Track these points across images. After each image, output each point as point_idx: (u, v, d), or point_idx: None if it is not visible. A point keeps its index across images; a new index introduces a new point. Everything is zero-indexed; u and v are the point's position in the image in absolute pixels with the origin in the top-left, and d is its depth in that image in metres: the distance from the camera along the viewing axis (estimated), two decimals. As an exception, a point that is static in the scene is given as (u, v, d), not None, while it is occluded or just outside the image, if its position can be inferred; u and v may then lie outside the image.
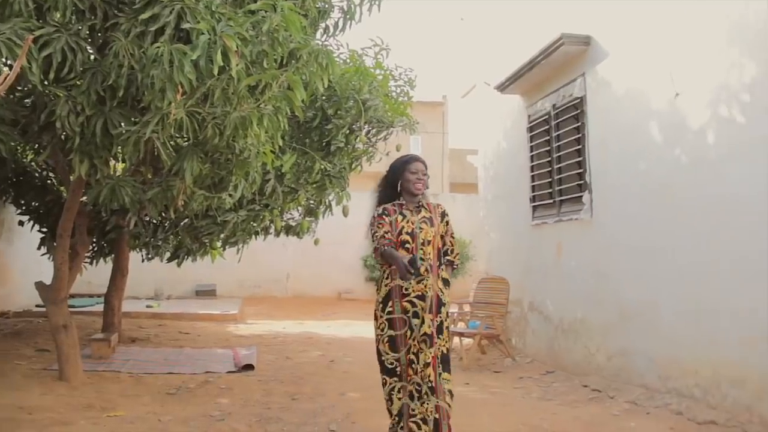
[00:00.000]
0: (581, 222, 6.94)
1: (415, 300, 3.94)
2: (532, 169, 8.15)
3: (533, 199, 8.13)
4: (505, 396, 6.07)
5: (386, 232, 3.97)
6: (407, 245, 3.97)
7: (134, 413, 4.89)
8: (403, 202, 4.12)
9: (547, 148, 7.77)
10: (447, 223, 4.20)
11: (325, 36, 5.95)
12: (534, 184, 8.12)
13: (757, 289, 4.57)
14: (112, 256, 8.18)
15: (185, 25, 3.82)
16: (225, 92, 4.02)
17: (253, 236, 7.55)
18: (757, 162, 4.61)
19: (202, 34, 3.72)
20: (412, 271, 3.68)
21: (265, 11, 3.96)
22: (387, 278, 4.00)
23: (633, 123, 6.04)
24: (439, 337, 3.93)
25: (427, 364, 3.89)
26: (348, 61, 6.73)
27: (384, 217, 4.05)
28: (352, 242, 15.60)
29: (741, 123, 4.78)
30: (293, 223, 7.81)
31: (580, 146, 7.03)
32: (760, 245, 4.54)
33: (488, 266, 9.79)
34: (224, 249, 7.62)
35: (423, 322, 3.92)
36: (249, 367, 6.96)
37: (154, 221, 7.00)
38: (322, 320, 12.71)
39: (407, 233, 3.99)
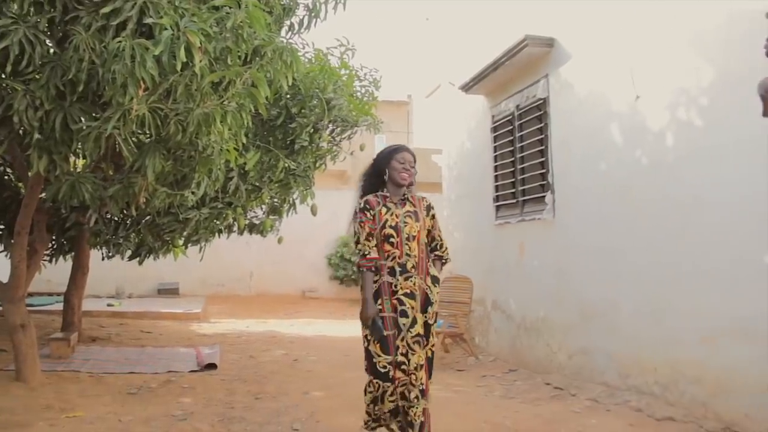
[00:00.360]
0: (543, 222, 7.02)
1: (403, 298, 3.82)
2: (496, 169, 8.22)
3: (496, 198, 8.20)
4: (468, 394, 6.11)
5: (369, 236, 3.87)
6: (392, 239, 3.85)
7: (94, 414, 4.82)
8: (387, 194, 3.98)
9: (511, 149, 7.84)
10: (433, 216, 4.08)
11: (290, 33, 5.92)
12: (497, 184, 8.19)
13: (714, 289, 4.67)
14: (72, 253, 8.05)
15: (148, 20, 3.76)
16: (188, 88, 3.98)
17: (216, 234, 7.49)
18: (714, 165, 4.71)
19: (165, 29, 3.67)
20: (369, 326, 3.76)
21: (230, 7, 3.93)
22: (375, 275, 3.88)
23: (595, 125, 6.13)
24: (426, 338, 3.85)
25: (419, 367, 3.79)
26: (313, 60, 6.72)
27: (366, 212, 3.92)
28: (316, 241, 15.60)
29: (699, 126, 4.88)
30: (257, 222, 7.77)
31: (542, 147, 7.11)
32: (718, 246, 4.64)
33: (452, 265, 9.84)
34: (187, 247, 7.54)
35: (414, 322, 3.81)
36: (212, 366, 6.91)
37: (116, 218, 6.91)
38: (286, 319, 12.66)
39: (391, 227, 3.87)
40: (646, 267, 5.42)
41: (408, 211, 3.94)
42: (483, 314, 8.53)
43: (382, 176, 4.01)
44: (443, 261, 4.15)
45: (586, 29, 6.33)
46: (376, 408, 3.89)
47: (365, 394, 3.92)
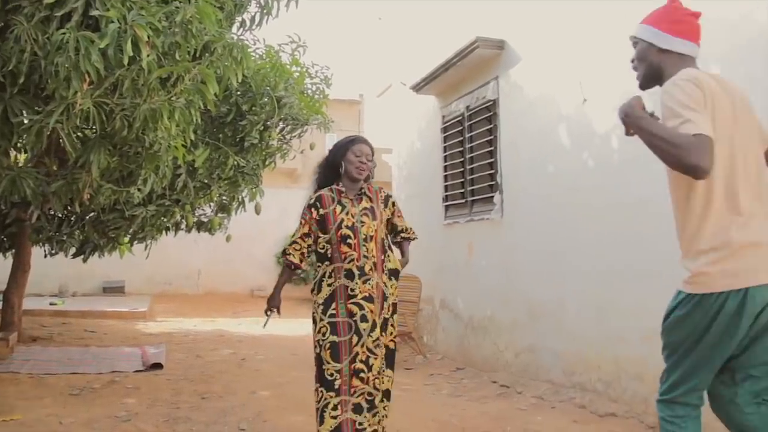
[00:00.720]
0: (492, 222, 7.10)
1: (362, 302, 3.60)
2: (445, 169, 8.28)
3: (446, 198, 8.26)
4: (416, 393, 6.14)
5: (303, 237, 3.73)
6: (349, 241, 3.63)
7: (34, 416, 4.69)
8: (343, 188, 3.76)
9: (460, 149, 7.91)
10: (393, 204, 3.91)
11: (241, 30, 5.86)
12: (447, 184, 8.25)
13: (656, 289, 4.78)
14: (13, 251, 7.82)
15: (94, 12, 3.67)
16: (135, 83, 3.90)
17: (164, 232, 7.38)
18: (657, 168, 4.81)
19: (112, 22, 3.59)
20: (269, 311, 3.88)
21: (179, 2, 3.87)
22: (330, 277, 3.65)
23: (543, 126, 6.22)
24: (383, 334, 3.67)
25: (381, 370, 3.64)
26: (264, 56, 6.66)
27: (313, 210, 3.71)
28: (265, 239, 15.48)
29: (643, 129, 4.99)
30: (205, 219, 7.67)
31: (492, 148, 7.19)
32: (659, 247, 4.76)
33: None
34: (133, 245, 7.40)
35: (374, 325, 3.61)
36: (157, 365, 6.80)
37: (59, 215, 6.74)
38: (234, 318, 12.53)
39: (347, 227, 3.64)
40: (592, 267, 5.52)
41: (364, 209, 3.73)
42: (431, 313, 8.59)
43: (337, 169, 3.78)
44: (411, 239, 4.03)
45: (536, 32, 6.42)
46: (322, 426, 3.54)
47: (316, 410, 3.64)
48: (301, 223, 3.76)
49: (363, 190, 3.79)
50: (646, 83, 2.79)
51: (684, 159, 2.25)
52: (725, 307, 2.32)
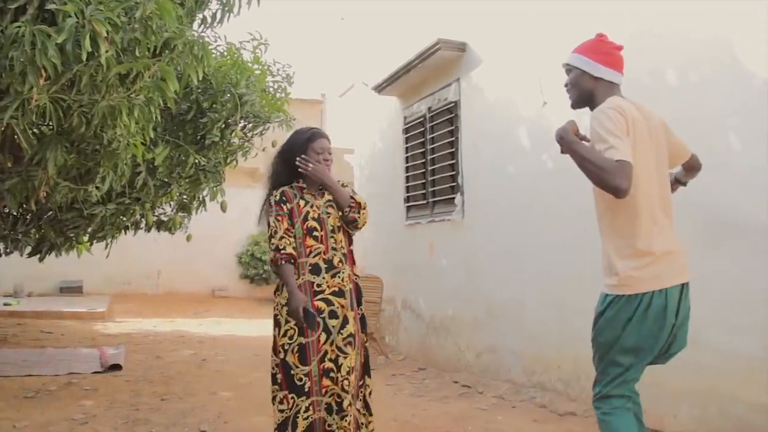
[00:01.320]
0: (453, 223, 7.15)
1: (330, 297, 3.46)
2: (407, 170, 8.31)
3: (407, 199, 8.29)
4: (378, 393, 6.11)
5: (287, 231, 3.48)
6: (315, 233, 3.50)
7: (-14, 419, 4.60)
8: (304, 185, 3.64)
9: (422, 150, 7.94)
10: (352, 191, 3.72)
11: (202, 27, 5.80)
12: (408, 185, 8.28)
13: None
14: (-35, 250, 7.63)
15: (50, 6, 3.60)
16: (93, 79, 3.84)
17: (123, 231, 7.26)
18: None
19: (69, 16, 3.53)
20: (300, 318, 3.33)
21: (139, -3, 3.83)
22: (294, 275, 3.46)
23: (504, 128, 6.29)
24: (363, 332, 3.56)
25: (351, 370, 3.44)
26: (225, 54, 6.60)
27: (282, 205, 3.54)
28: (226, 238, 15.37)
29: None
30: (165, 218, 7.58)
31: (453, 149, 7.24)
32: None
33: (363, 265, 9.88)
34: (91, 244, 7.28)
35: (345, 321, 3.47)
36: (116, 367, 6.71)
37: (14, 213, 6.59)
38: (195, 318, 12.43)
39: (314, 219, 3.52)
40: (551, 267, 5.59)
41: (328, 201, 3.62)
42: (393, 313, 8.62)
43: (296, 168, 3.63)
44: (362, 208, 3.69)
45: (498, 35, 6.48)
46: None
47: (275, 415, 3.45)
48: (278, 219, 3.51)
49: (323, 187, 3.68)
50: (577, 105, 3.15)
51: (608, 181, 2.61)
52: (652, 305, 2.71)
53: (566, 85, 3.16)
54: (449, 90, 7.30)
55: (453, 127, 7.26)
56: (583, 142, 2.90)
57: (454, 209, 7.13)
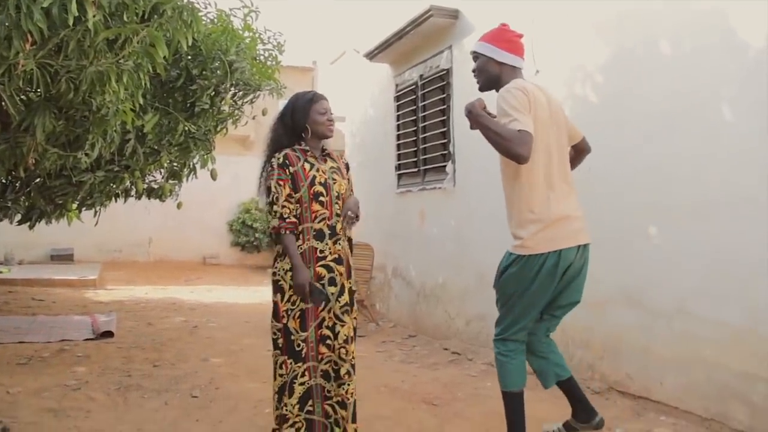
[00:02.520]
0: (444, 191, 7.15)
1: (331, 264, 3.45)
2: (398, 138, 8.29)
3: (398, 167, 8.28)
4: (368, 359, 6.21)
5: (288, 198, 3.40)
6: (321, 198, 3.45)
7: (-22, 385, 4.62)
8: (307, 148, 3.55)
9: (413, 118, 7.91)
10: (350, 175, 3.74)
11: (191, -8, 5.73)
12: (400, 152, 8.26)
13: (603, 258, 4.89)
14: (-46, 217, 7.59)
15: (36, -30, 3.55)
16: (80, 45, 3.78)
17: (113, 198, 7.23)
18: (607, 139, 4.90)
19: (55, -20, 3.48)
20: (311, 300, 3.32)
21: (127, -39, 3.77)
22: (297, 240, 3.42)
23: (495, 97, 6.24)
24: (352, 306, 3.55)
25: (349, 339, 3.47)
26: (215, 21, 6.53)
27: (285, 169, 3.45)
28: (217, 206, 15.34)
29: (594, 102, 5.07)
30: (155, 186, 7.55)
31: (445, 117, 7.21)
32: (608, 217, 4.87)
33: (354, 232, 9.88)
34: (81, 211, 7.24)
35: (343, 289, 3.48)
36: (108, 334, 6.74)
37: (3, 180, 6.55)
38: (186, 285, 12.47)
39: (320, 183, 3.46)
40: (541, 235, 5.60)
41: (333, 167, 3.58)
42: (384, 281, 8.66)
43: (300, 132, 3.57)
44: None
45: (490, 3, 6.42)
46: (281, 404, 3.41)
47: (275, 380, 3.47)
48: (279, 183, 3.42)
49: (326, 151, 3.66)
50: (485, 88, 3.57)
51: (511, 149, 3.03)
52: (546, 264, 3.19)
53: (474, 71, 3.57)
54: (441, 57, 7.24)
55: (445, 95, 7.22)
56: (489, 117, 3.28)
57: (445, 177, 7.13)
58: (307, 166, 3.49)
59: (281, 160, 3.47)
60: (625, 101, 4.75)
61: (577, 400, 3.61)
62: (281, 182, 3.43)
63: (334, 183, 3.53)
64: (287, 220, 3.39)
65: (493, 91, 3.48)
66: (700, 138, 4.14)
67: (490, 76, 3.48)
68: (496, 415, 4.24)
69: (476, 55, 3.54)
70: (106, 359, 5.67)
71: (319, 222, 3.46)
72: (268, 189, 3.48)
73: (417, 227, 7.77)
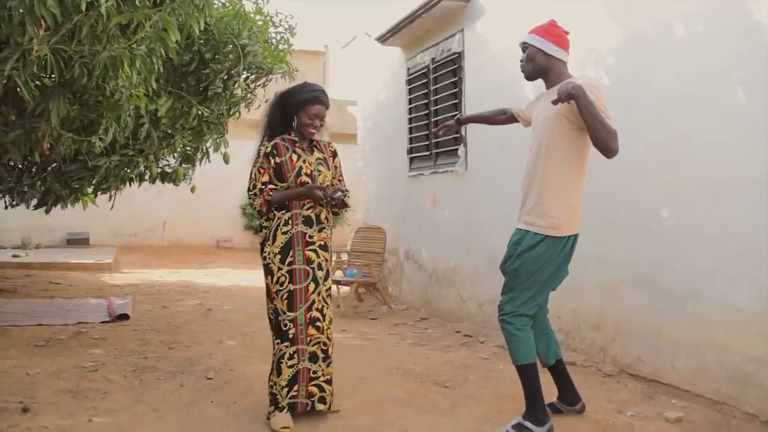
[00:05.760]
0: (456, 174, 7.15)
1: (318, 250, 3.69)
2: (410, 121, 8.28)
3: (410, 150, 8.28)
4: (381, 342, 6.25)
5: (264, 185, 3.66)
6: None
7: (-1, 367, 4.70)
8: (296, 138, 3.79)
9: (425, 101, 7.90)
10: (336, 159, 3.94)
11: (202, -24, 5.73)
12: (411, 136, 8.26)
13: (616, 240, 4.90)
14: (-29, 202, 7.67)
15: (49, -44, 3.57)
16: (93, 30, 3.81)
17: (128, 183, 7.29)
18: (618, 123, 4.87)
19: (68, -34, 3.50)
20: (332, 198, 3.58)
21: (138, -54, 3.78)
22: (286, 225, 3.66)
23: (508, 79, 6.22)
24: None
25: (331, 321, 3.75)
26: (227, 4, 6.54)
27: (270, 158, 3.70)
28: (230, 190, 15.41)
29: (606, 85, 5.04)
30: (169, 170, 7.60)
31: (456, 100, 7.20)
32: (621, 199, 4.86)
33: (366, 216, 9.93)
34: (96, 195, 7.31)
35: (328, 274, 3.73)
36: (124, 316, 6.81)
37: (19, 165, 6.61)
38: (200, 269, 12.56)
39: (307, 174, 3.68)
40: (553, 218, 5.60)
41: (318, 159, 3.80)
42: (396, 264, 8.68)
43: (290, 122, 3.82)
44: (346, 207, 3.94)
45: (502, -16, 6.38)
46: (270, 382, 3.69)
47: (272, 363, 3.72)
48: (260, 171, 3.70)
49: (313, 143, 3.86)
50: (533, 77, 3.73)
51: (610, 142, 3.30)
52: (567, 245, 3.55)
53: (521, 61, 3.73)
54: (453, 40, 7.22)
55: (456, 78, 7.20)
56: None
57: (457, 161, 7.12)
58: (294, 156, 3.72)
59: (269, 149, 3.73)
60: (638, 84, 4.73)
61: (566, 383, 3.89)
62: (262, 170, 3.70)
63: (320, 174, 3.74)
64: (265, 189, 3.64)
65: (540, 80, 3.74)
66: (712, 120, 4.12)
67: (539, 67, 3.66)
68: (508, 397, 4.28)
69: (526, 46, 3.70)
70: (122, 341, 5.74)
71: (307, 209, 3.70)
72: (250, 174, 3.74)
73: (429, 210, 7.78)
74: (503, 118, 4.23)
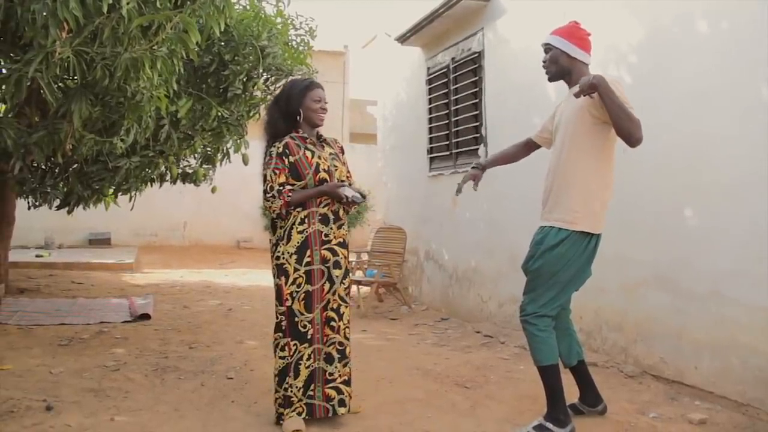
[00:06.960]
0: (477, 174, 7.10)
1: (336, 248, 3.58)
2: (430, 121, 8.26)
3: (430, 150, 8.26)
4: (401, 342, 6.24)
5: (282, 185, 3.53)
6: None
7: (23, 366, 4.73)
8: (305, 135, 3.66)
9: (445, 101, 7.88)
10: (345, 158, 3.86)
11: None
12: (431, 136, 8.24)
13: (637, 240, 4.85)
14: (-4, 203, 7.78)
15: (71, -41, 3.61)
16: (115, 32, 3.85)
17: (148, 183, 7.35)
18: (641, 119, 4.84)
19: (90, -31, 3.53)
20: (353, 198, 3.48)
21: (159, -52, 3.81)
22: (301, 224, 3.53)
23: (528, 79, 6.20)
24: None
25: (349, 320, 3.67)
26: (247, 6, 6.57)
27: (284, 158, 3.56)
28: (250, 190, 15.36)
29: (628, 83, 5.00)
30: (190, 171, 7.65)
31: (477, 100, 7.17)
32: (643, 197, 4.82)
33: (386, 216, 9.92)
34: (117, 196, 7.38)
35: (347, 273, 3.62)
36: (145, 316, 6.85)
37: (42, 166, 6.69)
38: (220, 269, 12.61)
39: (324, 171, 3.57)
40: (574, 218, 5.56)
41: (331, 153, 3.71)
42: (416, 264, 8.67)
43: (295, 117, 3.68)
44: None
45: (522, -18, 6.35)
46: (285, 385, 3.55)
47: (276, 363, 3.61)
48: (275, 173, 3.55)
49: (322, 138, 3.77)
50: (555, 78, 3.75)
51: (634, 131, 3.27)
52: (591, 243, 3.52)
53: (544, 62, 3.73)
54: (473, 40, 7.19)
55: (477, 78, 7.18)
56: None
57: (477, 160, 7.09)
58: (308, 153, 3.60)
59: (281, 149, 3.58)
60: (659, 81, 4.68)
61: (588, 383, 3.86)
62: (277, 171, 3.56)
63: (336, 170, 3.65)
64: (284, 191, 3.51)
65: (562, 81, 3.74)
66: (735, 117, 4.07)
67: (562, 69, 3.67)
68: (528, 398, 4.25)
69: (549, 47, 3.70)
70: (144, 341, 5.78)
71: (323, 207, 3.58)
72: (264, 177, 3.61)
73: (449, 210, 7.75)
74: (524, 149, 4.28)
